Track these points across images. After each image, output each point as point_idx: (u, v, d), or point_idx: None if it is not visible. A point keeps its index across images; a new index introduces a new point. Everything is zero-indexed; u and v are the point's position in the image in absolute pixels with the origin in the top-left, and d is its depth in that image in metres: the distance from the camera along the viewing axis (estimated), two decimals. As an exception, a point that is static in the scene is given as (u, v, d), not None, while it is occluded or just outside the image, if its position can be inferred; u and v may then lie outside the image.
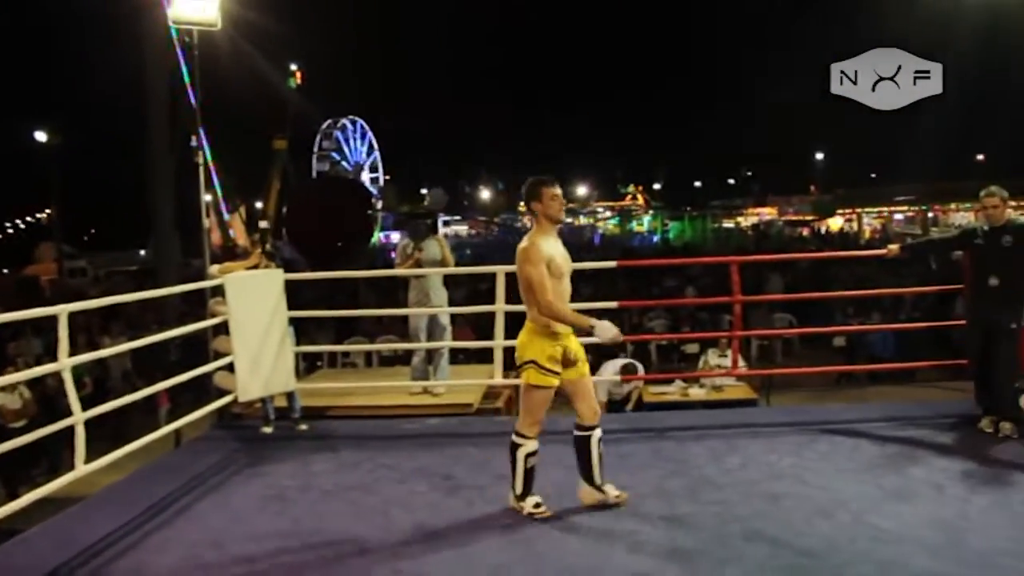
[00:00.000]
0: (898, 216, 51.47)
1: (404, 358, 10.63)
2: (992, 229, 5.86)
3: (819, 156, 62.97)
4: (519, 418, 4.72)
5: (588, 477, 4.75)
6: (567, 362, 4.61)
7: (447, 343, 7.64)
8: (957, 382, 7.42)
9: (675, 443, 5.99)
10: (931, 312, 11.66)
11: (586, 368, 4.76)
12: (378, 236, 50.94)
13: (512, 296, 6.96)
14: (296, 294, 6.79)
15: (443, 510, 4.83)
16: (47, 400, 9.82)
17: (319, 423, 6.90)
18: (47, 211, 49.80)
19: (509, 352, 7.50)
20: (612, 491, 4.74)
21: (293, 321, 6.77)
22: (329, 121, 61.97)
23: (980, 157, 47.69)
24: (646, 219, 74.42)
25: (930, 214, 47.19)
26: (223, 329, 6.47)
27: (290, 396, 6.78)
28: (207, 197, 7.90)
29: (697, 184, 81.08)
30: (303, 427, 6.74)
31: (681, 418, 6.86)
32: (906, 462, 5.33)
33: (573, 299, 4.73)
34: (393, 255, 7.90)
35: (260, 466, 5.81)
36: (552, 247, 4.56)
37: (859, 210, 53.36)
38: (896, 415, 6.43)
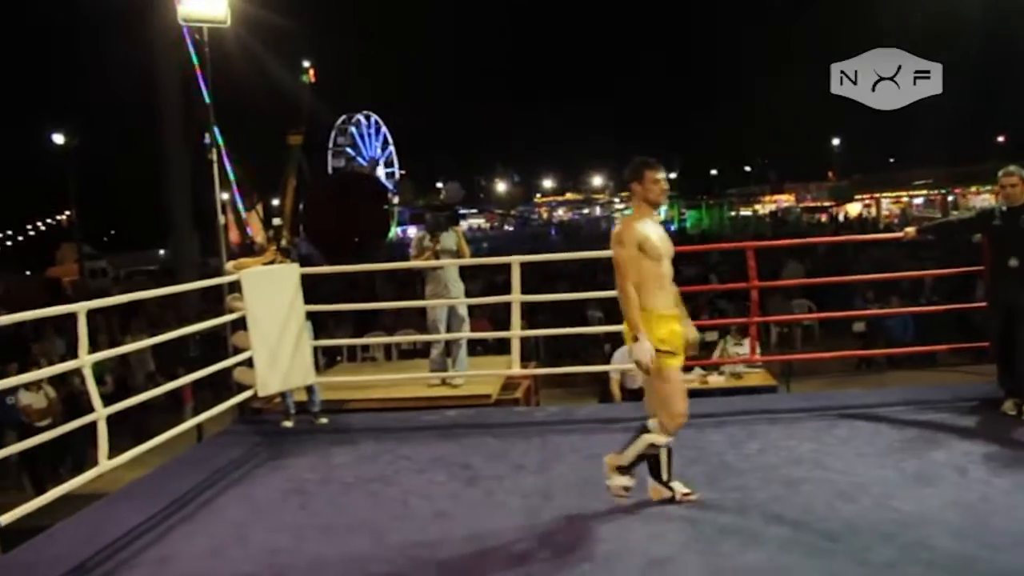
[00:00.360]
0: (918, 200, 51.01)
1: (423, 351, 10.66)
2: (1011, 209, 5.79)
3: (836, 141, 62.47)
4: (658, 418, 4.46)
5: (655, 472, 4.61)
6: (676, 348, 4.40)
7: (466, 334, 7.66)
8: (978, 365, 7.37)
9: (694, 430, 5.93)
10: (951, 295, 11.58)
11: (682, 361, 4.51)
12: (395, 231, 51.06)
13: (528, 286, 7.02)
14: (314, 289, 6.82)
15: (462, 500, 4.86)
16: (72, 399, 9.92)
17: (339, 416, 6.93)
18: (67, 213, 50.25)
19: (526, 343, 7.59)
20: (680, 488, 4.60)
21: (311, 316, 6.81)
22: (344, 117, 62.22)
23: (1001, 138, 47.12)
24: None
25: (950, 197, 46.71)
26: (241, 325, 6.52)
27: (310, 390, 6.81)
28: (223, 195, 7.95)
29: (713, 172, 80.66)
30: (323, 421, 6.78)
31: (700, 405, 6.78)
32: (927, 446, 5.29)
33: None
34: (410, 250, 7.89)
35: (281, 460, 5.85)
36: (649, 229, 4.40)
37: (877, 195, 52.91)
38: (916, 399, 6.37)
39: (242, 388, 6.67)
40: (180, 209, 20.45)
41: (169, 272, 25.38)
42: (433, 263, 7.45)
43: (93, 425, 4.91)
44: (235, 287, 6.50)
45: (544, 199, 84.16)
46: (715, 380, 9.06)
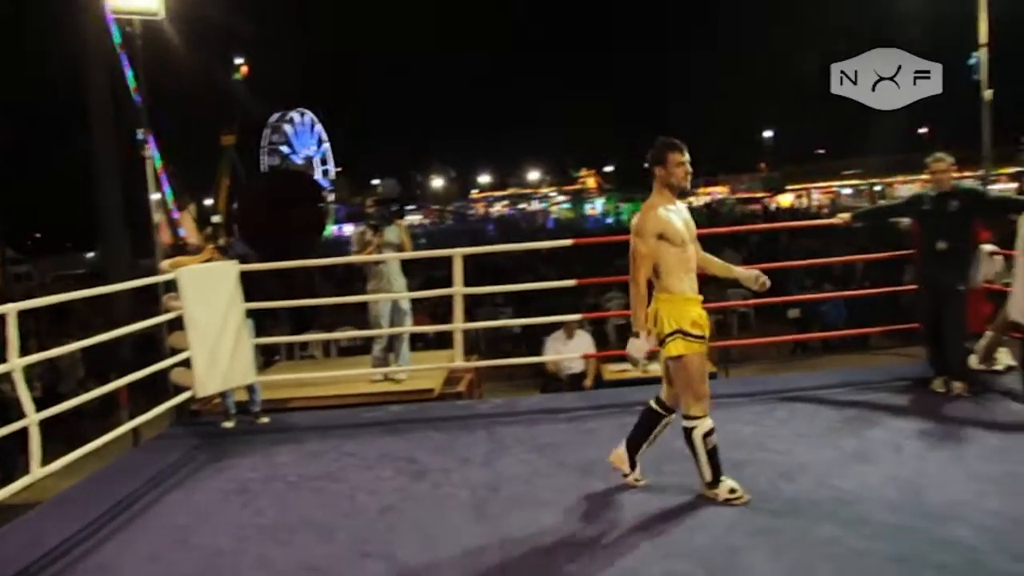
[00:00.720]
0: (846, 191, 52.34)
1: (363, 348, 10.57)
2: (939, 195, 5.97)
3: (767, 134, 63.74)
4: (682, 400, 4.34)
5: (635, 448, 4.58)
6: (704, 331, 4.32)
7: (408, 328, 7.62)
8: (908, 347, 7.58)
9: (638, 417, 6.03)
10: (881, 280, 11.87)
11: (707, 347, 4.40)
12: (331, 229, 50.51)
13: (470, 279, 7.00)
14: (252, 288, 6.69)
15: (409, 494, 4.83)
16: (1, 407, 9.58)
17: (281, 415, 6.83)
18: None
19: (469, 335, 7.57)
20: (636, 473, 4.61)
21: (252, 314, 6.68)
22: (277, 115, 61.17)
23: (923, 130, 48.59)
24: (599, 202, 74.50)
25: (877, 187, 48.07)
26: (178, 325, 6.36)
27: (250, 389, 6.70)
28: (155, 195, 7.72)
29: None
30: (264, 420, 6.67)
31: (643, 393, 6.83)
32: (864, 425, 5.43)
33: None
34: (351, 246, 7.78)
35: (222, 461, 5.74)
36: (671, 214, 4.29)
37: (808, 186, 54.15)
38: (852, 381, 6.53)
39: (180, 390, 6.53)
40: (110, 209, 19.86)
41: (99, 275, 24.68)
42: (376, 257, 7.38)
43: (23, 432, 4.74)
44: (171, 286, 6.35)
45: (481, 194, 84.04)
46: (656, 368, 9.12)
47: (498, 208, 79.72)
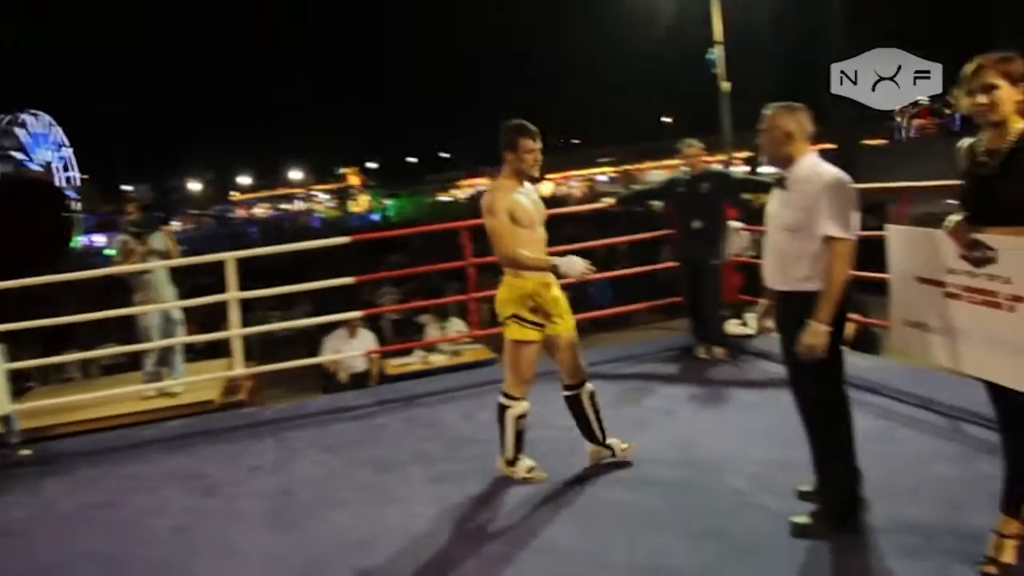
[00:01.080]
0: (601, 178, 55.28)
1: (130, 365, 9.91)
2: (693, 177, 6.51)
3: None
4: (505, 378, 4.41)
5: (591, 436, 4.58)
6: (548, 315, 4.35)
7: (183, 338, 7.27)
8: (671, 320, 8.19)
9: (426, 408, 6.11)
10: (641, 260, 12.67)
11: (571, 322, 4.48)
12: (79, 239, 46.70)
13: (247, 282, 6.77)
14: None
15: (203, 511, 4.61)
16: None
17: (45, 444, 6.26)
18: None
19: (247, 341, 7.29)
20: (619, 444, 4.62)
21: (2, 337, 6.10)
22: (8, 117, 55.48)
23: (668, 119, 52.41)
24: (363, 199, 74.03)
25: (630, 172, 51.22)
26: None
27: (6, 420, 6.10)
28: None
29: (413, 160, 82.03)
30: (26, 452, 6.09)
31: (427, 384, 6.98)
32: (640, 395, 5.84)
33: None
34: (114, 256, 7.27)
35: (-20, 502, 5.20)
36: (519, 194, 4.27)
37: (567, 174, 56.66)
38: (624, 355, 6.96)
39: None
40: None
41: None
42: (142, 267, 6.95)
43: None
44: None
45: (242, 196, 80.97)
46: (437, 359, 9.30)
47: (260, 210, 77.17)
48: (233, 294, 6.59)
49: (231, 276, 6.57)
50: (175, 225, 66.34)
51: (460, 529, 4.02)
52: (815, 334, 3.28)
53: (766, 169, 7.23)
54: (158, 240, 7.16)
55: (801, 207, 3.35)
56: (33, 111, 56.73)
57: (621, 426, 5.13)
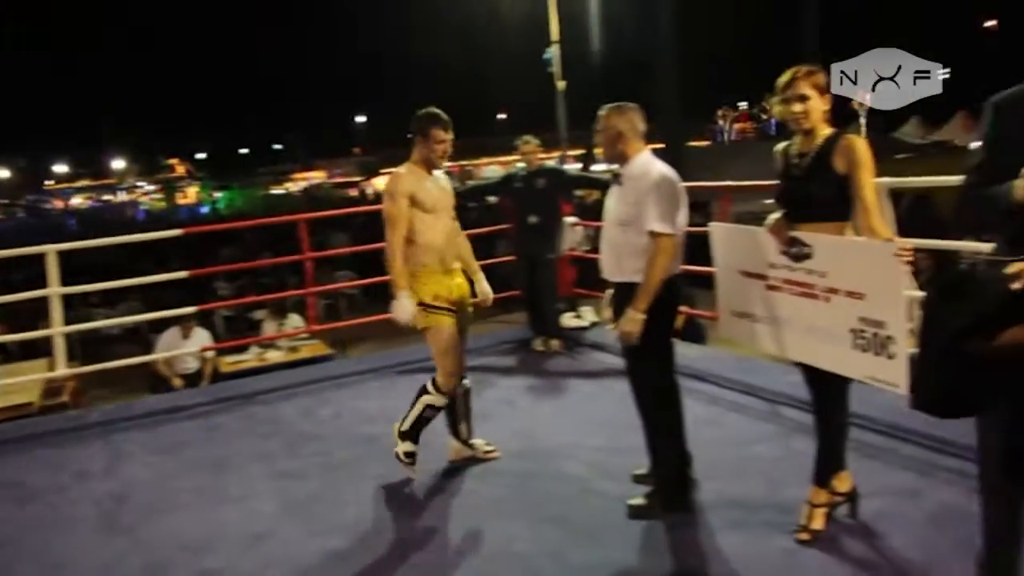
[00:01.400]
0: (437, 172, 55.29)
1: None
2: (529, 173, 6.67)
3: (360, 119, 65.18)
4: (437, 369, 4.31)
5: (456, 431, 4.54)
6: (453, 302, 4.28)
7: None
8: (509, 314, 8.33)
9: (265, 406, 5.98)
10: (478, 254, 12.82)
11: (455, 319, 4.34)
12: None
13: (67, 278, 6.37)
14: None
15: (24, 521, 4.32)
16: None
17: None
18: None
19: (68, 340, 6.85)
20: (483, 445, 4.60)
21: None
22: None
23: (502, 116, 53.10)
24: (192, 191, 70.73)
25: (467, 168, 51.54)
26: None
27: None
28: None
29: (244, 151, 79.25)
30: None
31: (265, 382, 6.81)
32: (480, 387, 5.85)
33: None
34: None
35: None
36: (422, 180, 4.21)
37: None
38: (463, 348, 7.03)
39: None
40: None
41: None
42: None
43: None
44: None
45: (57, 185, 75.58)
46: (273, 356, 9.07)
47: (79, 200, 72.29)
48: (55, 289, 6.20)
49: (52, 270, 6.17)
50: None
51: (303, 526, 3.96)
52: (631, 321, 3.47)
53: (599, 167, 7.52)
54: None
55: (633, 202, 3.52)
56: None
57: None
